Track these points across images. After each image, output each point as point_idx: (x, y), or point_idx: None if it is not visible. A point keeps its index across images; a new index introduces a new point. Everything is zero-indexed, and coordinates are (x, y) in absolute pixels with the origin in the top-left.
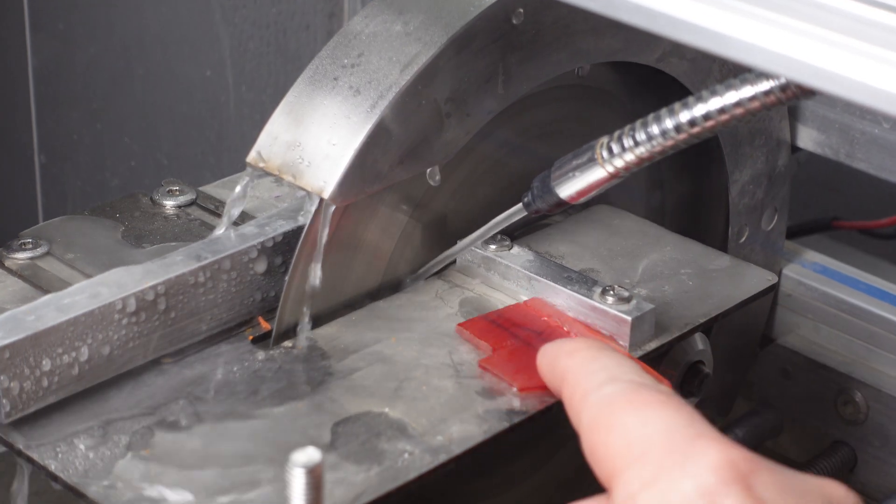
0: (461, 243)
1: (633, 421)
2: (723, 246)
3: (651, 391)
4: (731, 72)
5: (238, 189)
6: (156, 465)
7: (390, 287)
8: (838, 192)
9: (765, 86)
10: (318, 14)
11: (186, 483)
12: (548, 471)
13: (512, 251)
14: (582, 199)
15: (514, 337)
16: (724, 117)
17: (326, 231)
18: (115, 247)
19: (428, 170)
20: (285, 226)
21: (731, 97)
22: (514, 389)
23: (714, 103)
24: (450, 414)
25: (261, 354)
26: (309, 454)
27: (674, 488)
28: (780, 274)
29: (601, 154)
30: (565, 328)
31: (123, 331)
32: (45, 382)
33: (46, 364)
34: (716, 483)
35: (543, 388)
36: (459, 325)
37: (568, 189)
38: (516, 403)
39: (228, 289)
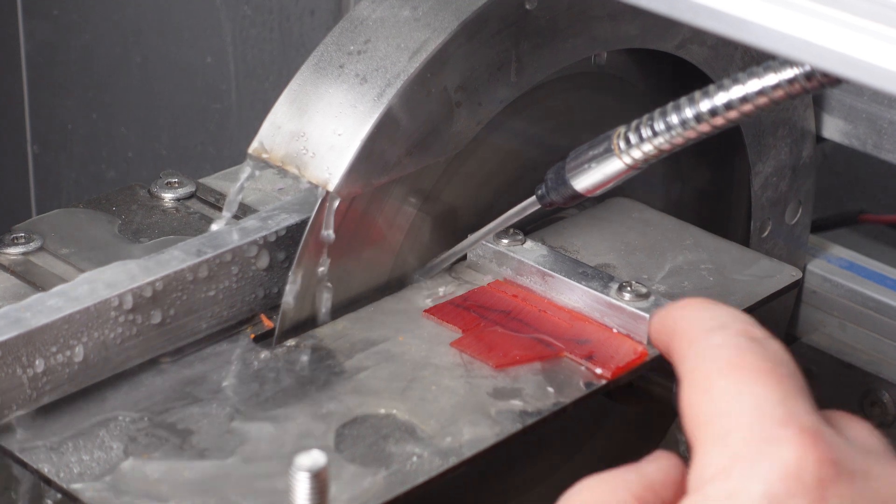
0: (472, 237)
1: (727, 389)
2: (745, 240)
3: (756, 356)
4: (753, 59)
5: (239, 181)
6: (154, 470)
7: (398, 283)
8: (865, 185)
9: (789, 74)
10: None
11: (186, 488)
12: (564, 474)
13: (525, 246)
14: (598, 192)
15: (482, 318)
16: (747, 107)
17: (332, 224)
18: (111, 241)
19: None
20: (289, 219)
21: (753, 85)
22: (527, 391)
23: (736, 92)
24: (460, 415)
25: (263, 353)
26: (313, 457)
27: (743, 489)
28: (804, 270)
29: (618, 145)
30: (534, 306)
31: (120, 329)
32: (38, 382)
33: (40, 363)
34: (783, 494)
35: (519, 363)
36: (426, 311)
37: (583, 181)
38: (529, 404)
39: (229, 285)
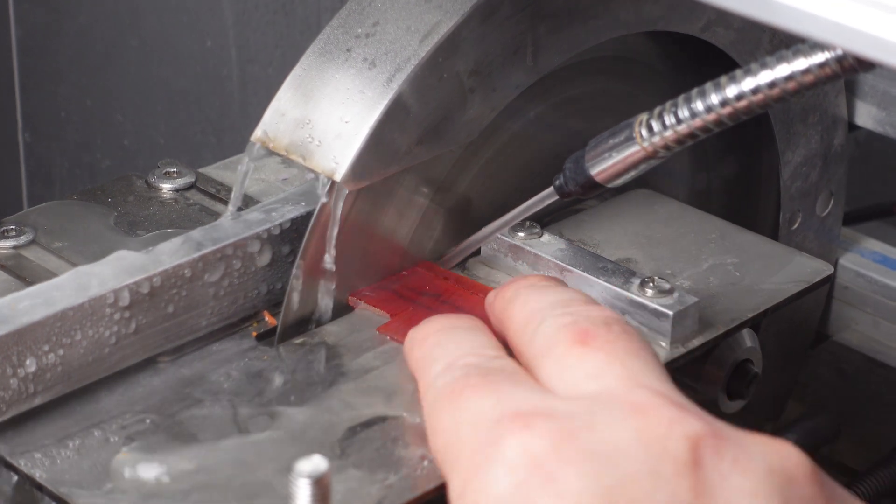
0: (486, 230)
1: (447, 420)
2: (773, 233)
3: (473, 376)
4: (782, 42)
5: (242, 172)
6: (151, 474)
7: None
8: None
9: (819, 58)
10: None
11: (184, 493)
12: None
13: (542, 239)
14: (619, 182)
15: (412, 302)
16: (775, 92)
17: (339, 217)
18: (106, 234)
19: None
20: (293, 211)
21: (782, 70)
22: None
23: (764, 77)
24: None
25: (266, 352)
26: (315, 463)
27: (483, 499)
28: (836, 264)
29: (640, 132)
30: (465, 289)
31: (116, 326)
32: (29, 383)
33: (31, 363)
34: (515, 485)
35: None
36: (352, 294)
37: (604, 171)
38: None
39: (231, 280)
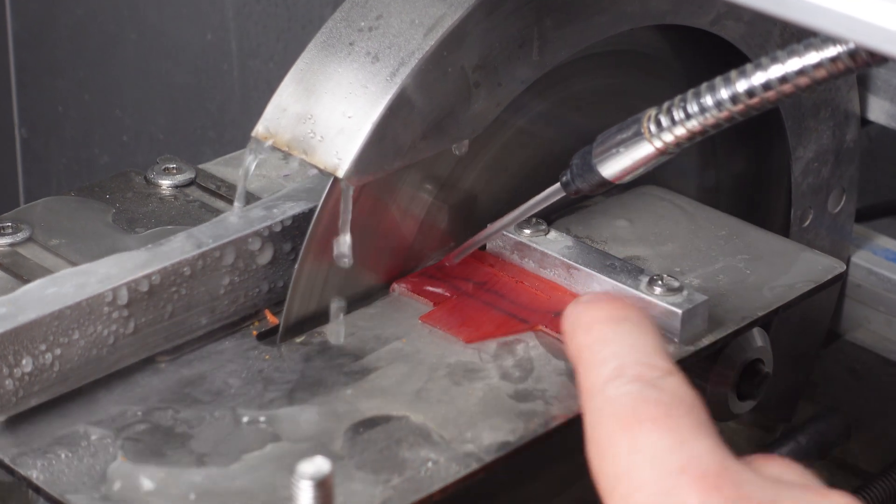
0: (491, 227)
1: (622, 447)
2: (784, 230)
3: (648, 403)
4: (793, 36)
5: (245, 168)
6: (150, 477)
7: None
8: None
9: (831, 52)
10: None
11: (184, 497)
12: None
13: (548, 236)
14: (627, 179)
15: (455, 290)
16: (786, 87)
17: (349, 212)
18: (104, 231)
19: None
20: (295, 208)
21: (793, 64)
22: (550, 392)
23: (774, 71)
24: (479, 418)
25: (267, 352)
26: (317, 464)
27: None
28: (848, 262)
29: (648, 128)
30: (510, 276)
31: (114, 325)
32: (26, 383)
33: (27, 363)
34: None
35: (492, 336)
36: (396, 282)
37: (611, 167)
38: (553, 406)
39: (231, 279)
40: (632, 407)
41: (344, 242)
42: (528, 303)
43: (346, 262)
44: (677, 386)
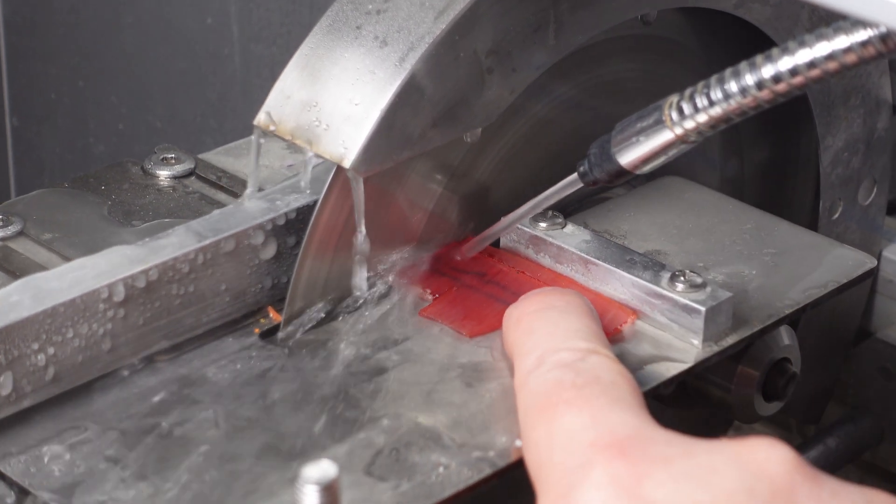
0: (505, 220)
1: (540, 435)
2: (812, 223)
3: (563, 387)
4: (822, 19)
5: (252, 158)
6: (148, 482)
7: None
8: None
9: (862, 35)
10: None
11: (183, 502)
12: None
13: (565, 230)
14: (647, 169)
15: (454, 281)
16: (815, 72)
17: (362, 208)
18: (99, 225)
19: None
20: (299, 200)
21: (822, 49)
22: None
23: (802, 56)
24: (492, 421)
25: (270, 351)
26: (323, 468)
27: None
28: (879, 256)
29: (670, 115)
30: (511, 267)
31: (110, 323)
32: (18, 383)
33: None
34: (610, 502)
35: (496, 329)
36: (396, 273)
37: (631, 156)
38: None
39: (233, 274)
40: (547, 393)
41: (360, 237)
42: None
43: (365, 251)
44: (596, 365)
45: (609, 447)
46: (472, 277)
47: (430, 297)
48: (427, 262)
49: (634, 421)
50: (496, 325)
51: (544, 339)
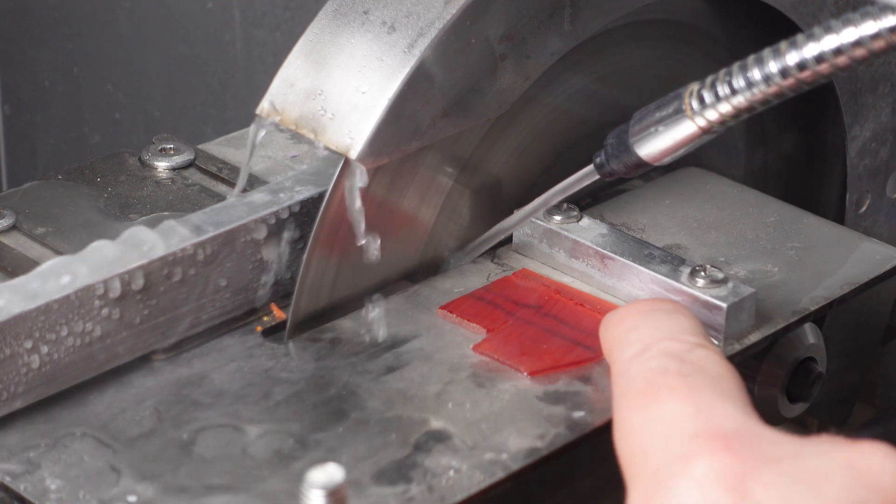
0: (518, 214)
1: (637, 423)
2: (839, 216)
3: (667, 374)
4: (849, 4)
5: (248, 149)
6: (146, 487)
7: (431, 268)
8: None
9: (891, 21)
10: None
11: None
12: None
13: (581, 223)
14: (666, 160)
15: (509, 315)
16: (841, 60)
17: (357, 199)
18: (95, 218)
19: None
20: (303, 192)
21: (849, 35)
22: (582, 394)
23: (828, 42)
24: (505, 423)
25: (273, 350)
26: (329, 472)
27: None
28: None
29: (690, 104)
30: (569, 299)
31: (105, 321)
32: (10, 384)
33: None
34: (712, 500)
35: (556, 369)
36: (441, 307)
37: (649, 147)
38: (587, 410)
39: (234, 269)
40: (650, 380)
41: (359, 232)
42: (592, 328)
43: (375, 256)
44: (704, 358)
45: (713, 439)
46: (527, 311)
47: (482, 332)
48: (476, 293)
49: (741, 416)
50: (558, 363)
51: (649, 333)
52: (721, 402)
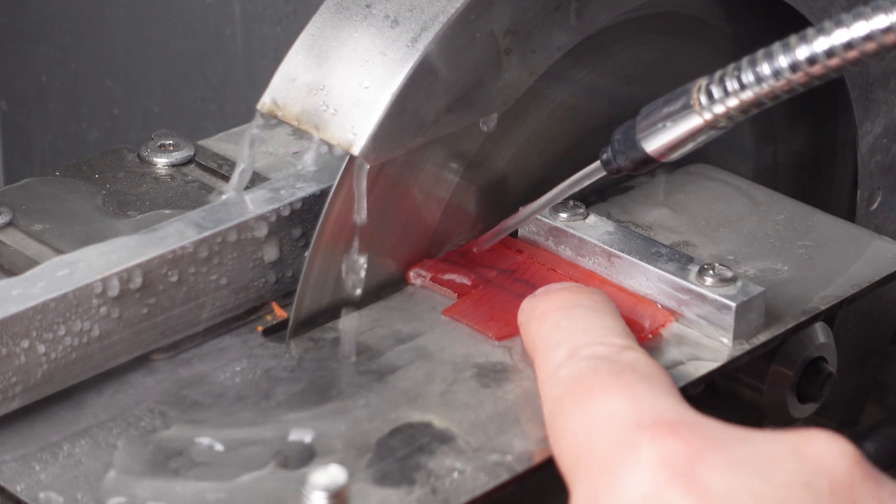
0: (524, 211)
1: (577, 422)
2: (849, 214)
3: (599, 374)
4: None
5: (248, 144)
6: (144, 489)
7: None
8: None
9: None
10: None
11: None
12: None
13: (587, 221)
14: (674, 156)
15: (481, 279)
16: (852, 54)
17: (363, 196)
18: (93, 215)
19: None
20: (305, 189)
21: (860, 29)
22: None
23: (839, 36)
24: (509, 424)
25: (275, 349)
26: (331, 474)
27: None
28: None
29: (699, 99)
30: (542, 264)
31: (104, 320)
32: (6, 384)
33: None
34: (654, 488)
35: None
36: (413, 268)
37: (657, 142)
38: None
39: (235, 267)
40: (583, 380)
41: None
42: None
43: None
44: (634, 358)
45: (657, 426)
46: (499, 275)
47: (453, 296)
48: (450, 257)
49: (680, 407)
50: None
51: (576, 335)
52: (658, 395)
